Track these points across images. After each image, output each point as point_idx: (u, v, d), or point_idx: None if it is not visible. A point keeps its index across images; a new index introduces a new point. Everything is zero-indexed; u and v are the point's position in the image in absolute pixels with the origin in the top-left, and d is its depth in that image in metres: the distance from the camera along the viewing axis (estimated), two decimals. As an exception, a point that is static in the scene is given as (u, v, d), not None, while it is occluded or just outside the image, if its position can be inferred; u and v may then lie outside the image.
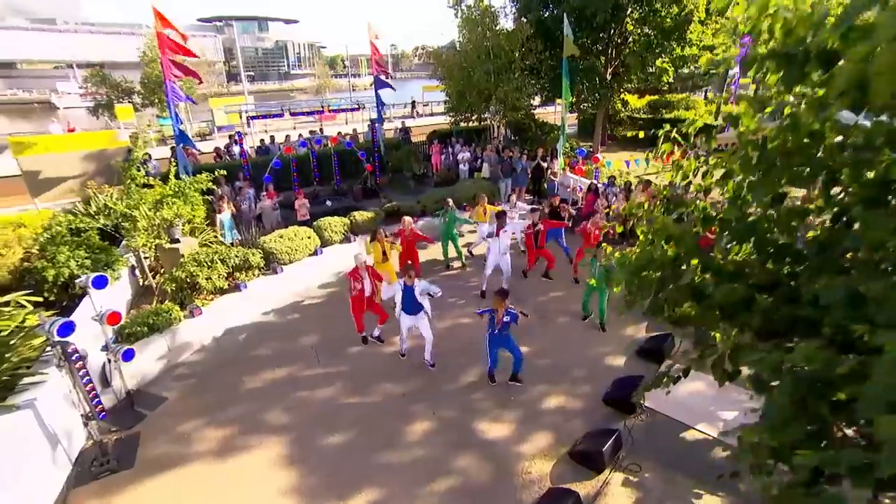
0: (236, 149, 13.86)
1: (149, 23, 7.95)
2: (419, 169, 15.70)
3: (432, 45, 15.07)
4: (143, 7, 22.05)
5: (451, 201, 9.74)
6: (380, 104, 15.61)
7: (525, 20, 13.67)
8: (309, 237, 9.91)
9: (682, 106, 21.79)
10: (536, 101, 17.45)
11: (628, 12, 13.64)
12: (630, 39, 14.06)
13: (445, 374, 6.85)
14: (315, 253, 9.92)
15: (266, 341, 7.72)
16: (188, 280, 7.75)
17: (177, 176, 9.51)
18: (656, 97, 22.67)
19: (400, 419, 6.01)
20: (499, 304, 5.99)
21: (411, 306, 6.53)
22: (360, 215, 11.13)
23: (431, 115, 30.40)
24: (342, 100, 14.13)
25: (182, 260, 7.99)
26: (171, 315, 7.12)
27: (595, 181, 12.37)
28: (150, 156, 12.84)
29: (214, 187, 9.77)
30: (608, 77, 14.74)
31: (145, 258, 8.69)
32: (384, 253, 8.07)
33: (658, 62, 14.23)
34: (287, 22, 55.47)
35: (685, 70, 15.18)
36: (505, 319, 6.00)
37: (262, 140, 15.09)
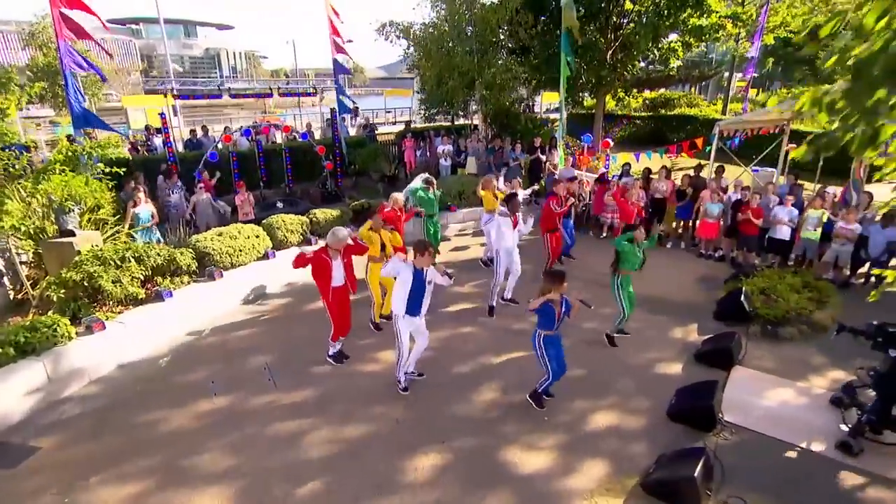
0: (158, 141, 12.67)
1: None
2: (389, 169, 14.91)
3: (402, 22, 14.48)
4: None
5: (433, 181, 8.92)
6: (340, 91, 14.90)
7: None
8: (258, 236, 8.83)
9: (683, 103, 22.12)
10: (524, 92, 17.17)
11: None
12: (635, 9, 13.95)
13: (452, 393, 5.82)
14: (265, 256, 8.82)
15: (199, 364, 6.47)
16: (86, 284, 6.46)
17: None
18: (654, 94, 23.03)
19: (396, 454, 4.89)
20: (559, 290, 5.10)
21: (417, 302, 5.45)
22: (323, 213, 10.19)
23: (394, 122, 29.98)
24: (295, 83, 13.06)
25: (77, 258, 6.71)
26: (54, 331, 5.82)
27: (605, 170, 11.87)
28: (35, 144, 11.40)
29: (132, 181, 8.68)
30: (608, 58, 14.56)
31: (19, 254, 7.27)
32: (383, 246, 6.87)
33: (666, 44, 14.16)
34: (220, 28, 54.57)
35: (698, 49, 15.24)
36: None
37: (192, 131, 13.98)
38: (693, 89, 24.97)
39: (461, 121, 17.14)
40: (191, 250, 7.90)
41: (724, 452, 4.84)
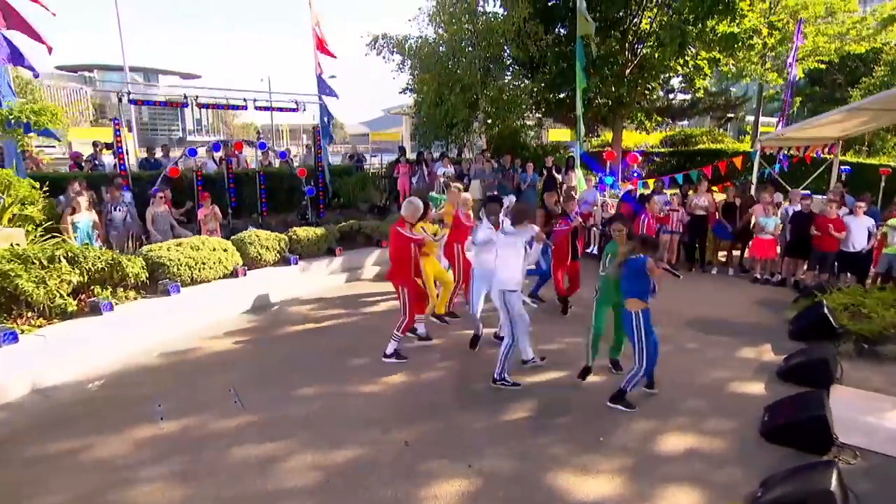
0: (108, 159, 12.18)
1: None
2: (381, 199, 14.49)
3: (396, 35, 14.57)
4: None
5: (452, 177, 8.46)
6: (325, 114, 14.73)
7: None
8: (225, 250, 8.18)
9: (707, 140, 22.39)
10: (531, 121, 17.20)
11: None
12: (657, 19, 14.14)
13: (475, 415, 5.02)
14: (234, 273, 8.13)
15: (142, 388, 5.63)
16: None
17: None
18: (673, 132, 23.37)
19: (406, 479, 4.04)
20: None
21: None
22: (305, 231, 9.62)
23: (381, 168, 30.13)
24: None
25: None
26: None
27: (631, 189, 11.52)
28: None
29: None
30: (627, 74, 14.64)
31: None
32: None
33: (691, 59, 14.23)
34: (184, 76, 55.59)
35: (728, 65, 15.35)
36: None
37: (149, 149, 13.52)
38: (716, 128, 25.42)
39: (466, 154, 16.89)
40: (141, 259, 7.21)
41: (853, 478, 4.04)
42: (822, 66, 21.94)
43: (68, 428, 4.82)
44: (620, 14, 13.84)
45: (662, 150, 22.26)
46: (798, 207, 9.38)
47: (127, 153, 11.16)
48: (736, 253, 10.59)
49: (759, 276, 9.69)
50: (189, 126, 71.40)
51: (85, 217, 8.24)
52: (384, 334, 6.34)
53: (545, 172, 12.91)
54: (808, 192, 13.29)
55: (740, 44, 13.52)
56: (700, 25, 13.12)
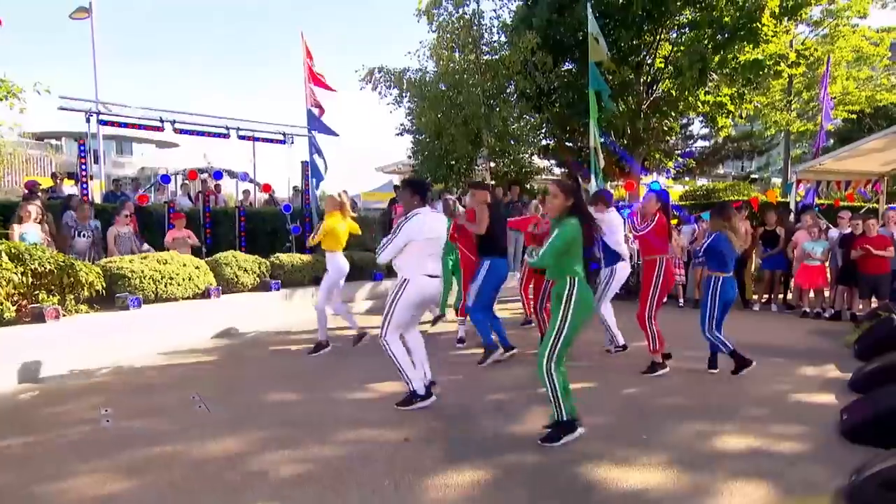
0: (69, 189, 12.13)
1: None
2: (378, 240, 14.33)
3: (393, 68, 14.99)
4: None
5: (450, 197, 8.29)
6: (314, 149, 14.87)
7: (528, 31, 14.05)
8: (197, 268, 7.96)
9: (732, 193, 22.61)
10: (536, 160, 17.39)
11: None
12: (674, 51, 14.56)
13: (489, 413, 4.64)
14: (205, 294, 7.86)
15: (86, 397, 5.23)
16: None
17: None
18: (693, 185, 23.62)
19: (406, 472, 3.64)
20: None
21: None
22: (289, 257, 9.48)
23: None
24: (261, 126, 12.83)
25: None
26: None
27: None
28: None
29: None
30: (645, 108, 14.93)
31: None
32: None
33: (711, 85, 14.43)
34: (161, 145, 56.34)
35: (752, 103, 15.58)
36: None
37: (115, 181, 13.46)
38: (741, 181, 25.79)
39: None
40: (98, 268, 6.96)
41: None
42: (853, 117, 22.58)
43: (-8, 430, 4.41)
44: (634, 42, 14.29)
45: (683, 203, 22.46)
46: (848, 230, 9.23)
47: (91, 179, 11.14)
48: (780, 294, 10.36)
49: (808, 311, 9.40)
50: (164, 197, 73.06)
51: (33, 229, 8.04)
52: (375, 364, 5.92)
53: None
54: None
55: (765, 70, 13.85)
56: (722, 53, 13.52)
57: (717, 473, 3.67)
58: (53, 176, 13.24)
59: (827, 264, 9.32)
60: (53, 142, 70.88)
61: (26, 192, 12.96)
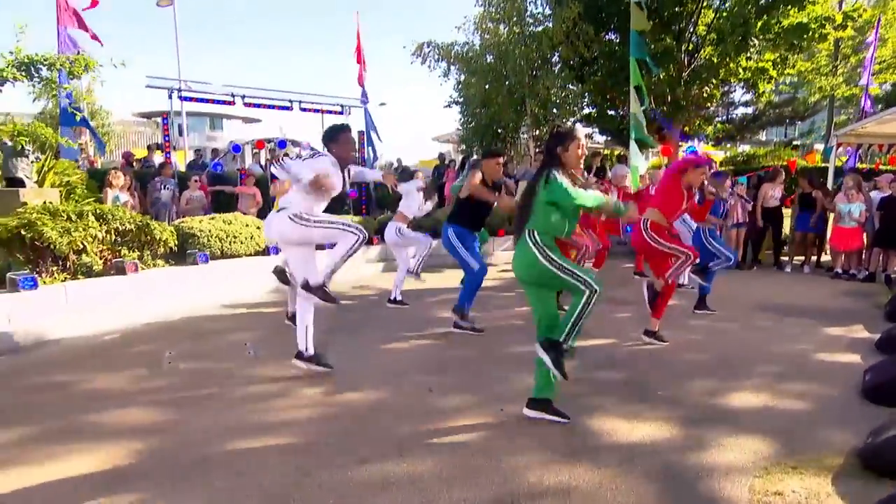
0: (158, 159, 12.48)
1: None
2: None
3: (442, 42, 14.64)
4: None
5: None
6: (370, 126, 14.72)
7: (571, 1, 13.30)
8: (258, 228, 8.01)
9: (773, 158, 21.23)
10: (579, 127, 16.73)
11: None
12: (716, 17, 13.52)
13: (510, 368, 4.47)
14: (265, 252, 7.93)
15: (155, 342, 5.35)
16: (23, 234, 5.61)
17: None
18: (735, 151, 22.27)
19: (425, 418, 3.54)
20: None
21: None
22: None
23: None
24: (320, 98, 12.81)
25: (20, 209, 5.97)
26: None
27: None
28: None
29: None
30: (685, 76, 13.99)
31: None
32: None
33: (753, 50, 13.34)
34: (246, 121, 58.32)
35: (796, 65, 14.38)
36: None
37: (197, 151, 13.79)
38: (782, 146, 24.15)
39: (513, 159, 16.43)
40: (172, 227, 7.10)
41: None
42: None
43: (74, 366, 4.61)
44: (677, 9, 13.32)
45: (723, 168, 21.28)
46: (888, 192, 8.44)
47: (174, 149, 11.41)
48: (813, 256, 9.64)
49: (840, 271, 8.72)
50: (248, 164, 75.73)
51: (123, 193, 8.29)
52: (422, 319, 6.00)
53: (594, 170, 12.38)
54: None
55: (810, 34, 12.66)
56: (765, 17, 12.41)
57: (728, 429, 3.40)
58: (148, 148, 13.68)
59: (863, 228, 8.58)
60: (158, 118, 74.15)
61: (123, 161, 13.49)
